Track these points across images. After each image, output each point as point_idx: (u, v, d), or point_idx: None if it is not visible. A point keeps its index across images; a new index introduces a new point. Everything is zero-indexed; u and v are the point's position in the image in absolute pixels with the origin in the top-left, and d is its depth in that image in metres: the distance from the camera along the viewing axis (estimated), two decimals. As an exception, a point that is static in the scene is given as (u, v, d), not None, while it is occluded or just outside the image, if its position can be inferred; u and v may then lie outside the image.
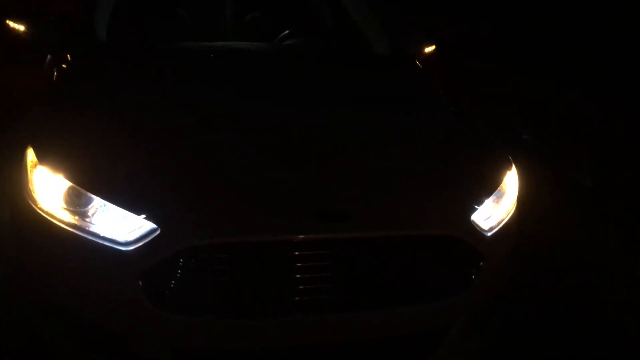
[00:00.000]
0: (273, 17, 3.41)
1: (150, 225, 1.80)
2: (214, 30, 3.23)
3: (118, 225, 1.83)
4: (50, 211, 1.89)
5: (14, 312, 2.44)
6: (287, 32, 3.25)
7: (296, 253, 1.85)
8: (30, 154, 2.01)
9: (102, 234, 1.83)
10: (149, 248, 1.79)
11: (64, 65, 2.58)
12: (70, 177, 1.89)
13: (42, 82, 2.55)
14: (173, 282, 1.80)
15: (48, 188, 1.91)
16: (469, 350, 2.25)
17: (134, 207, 1.83)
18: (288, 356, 1.98)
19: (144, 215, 1.81)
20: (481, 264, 2.05)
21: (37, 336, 2.18)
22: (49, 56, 2.85)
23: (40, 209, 1.90)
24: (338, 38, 3.42)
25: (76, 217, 1.86)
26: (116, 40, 2.77)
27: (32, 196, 1.94)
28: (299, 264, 1.86)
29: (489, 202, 2.14)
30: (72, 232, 1.85)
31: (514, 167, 2.34)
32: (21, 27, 2.66)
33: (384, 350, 2.04)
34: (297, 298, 1.87)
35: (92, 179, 1.89)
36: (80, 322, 1.90)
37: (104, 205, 1.85)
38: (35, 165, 1.97)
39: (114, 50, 2.71)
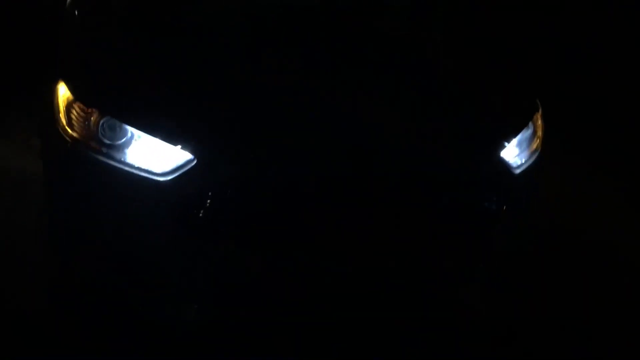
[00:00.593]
0: None
1: (187, 155, 1.82)
2: None
3: (154, 156, 1.85)
4: (86, 144, 1.90)
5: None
6: None
7: (330, 188, 1.87)
8: (63, 89, 2.01)
9: (138, 165, 1.85)
10: (185, 178, 1.81)
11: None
12: (105, 110, 1.90)
13: (65, 20, 2.52)
14: (209, 211, 1.83)
15: (83, 122, 1.92)
16: (496, 286, 2.29)
17: (170, 137, 1.84)
18: (317, 292, 2.02)
19: (180, 146, 1.83)
20: (509, 200, 2.08)
21: (64, 271, 2.23)
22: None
23: (75, 142, 1.92)
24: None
25: (112, 149, 1.87)
26: None
27: (66, 130, 1.95)
28: (331, 200, 1.88)
29: (516, 141, 2.15)
30: (108, 163, 1.86)
31: (540, 110, 2.35)
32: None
33: (414, 285, 2.07)
34: (328, 234, 1.89)
35: (127, 111, 1.90)
36: (111, 253, 1.93)
37: (140, 136, 1.87)
38: (68, 100, 1.98)
39: None
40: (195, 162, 1.81)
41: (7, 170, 3.26)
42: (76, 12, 2.46)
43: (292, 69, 2.12)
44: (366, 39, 2.43)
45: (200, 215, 1.82)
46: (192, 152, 1.82)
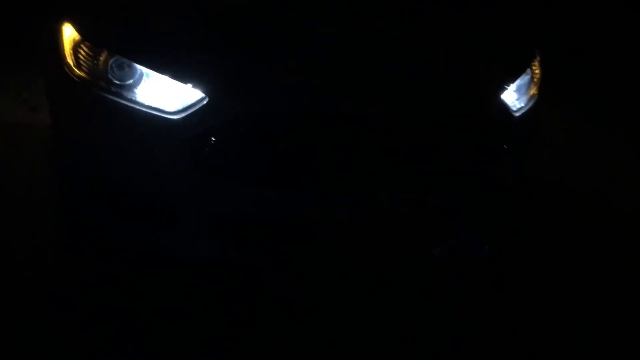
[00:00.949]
0: None
1: (198, 94, 1.84)
2: None
3: (165, 94, 1.86)
4: (95, 84, 1.91)
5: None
6: None
7: (338, 125, 1.91)
8: (69, 29, 2.00)
9: (149, 104, 1.86)
10: (196, 116, 1.83)
11: None
12: (115, 49, 1.90)
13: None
14: (221, 149, 1.85)
15: (92, 62, 1.92)
16: (495, 227, 2.35)
17: (181, 76, 1.85)
18: (324, 228, 2.07)
19: (190, 84, 1.84)
20: (510, 140, 2.14)
21: (71, 210, 2.24)
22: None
23: (84, 82, 1.92)
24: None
25: (122, 89, 1.88)
26: None
27: (73, 71, 1.95)
28: (339, 136, 1.91)
29: (515, 85, 2.21)
30: (118, 102, 1.88)
31: (538, 57, 2.40)
32: None
33: (417, 221, 2.14)
34: (336, 169, 1.93)
35: (137, 50, 1.91)
36: (122, 190, 1.96)
37: (150, 75, 1.88)
38: (75, 41, 1.97)
39: None
40: (206, 100, 1.83)
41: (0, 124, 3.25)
42: None
43: (301, 15, 2.13)
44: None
45: (213, 153, 1.84)
46: (203, 90, 1.83)
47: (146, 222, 2.00)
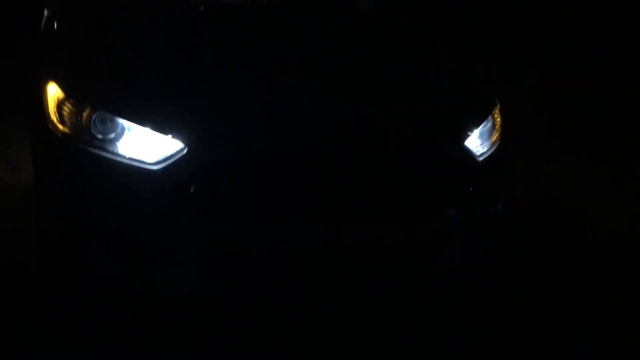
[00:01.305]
0: None
1: (178, 144, 1.94)
2: None
3: (146, 146, 1.96)
4: (79, 138, 2.00)
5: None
6: None
7: (308, 169, 2.03)
8: (53, 88, 2.10)
9: (130, 156, 1.96)
10: (177, 165, 1.93)
11: (67, 11, 2.66)
12: (97, 104, 2.00)
13: (45, 32, 2.62)
14: (200, 195, 1.94)
15: (75, 118, 2.02)
16: (466, 262, 2.45)
17: (161, 127, 1.96)
18: (302, 261, 2.14)
19: (170, 135, 1.95)
20: (474, 183, 2.27)
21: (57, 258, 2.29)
22: (45, 11, 2.91)
23: (67, 137, 2.01)
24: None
25: (105, 143, 1.98)
26: None
27: (57, 127, 2.05)
28: (313, 177, 2.03)
29: (478, 132, 2.36)
30: (101, 156, 1.97)
31: (499, 105, 2.57)
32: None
33: (389, 258, 2.23)
34: (312, 207, 2.04)
35: (118, 104, 2.01)
36: (108, 238, 2.03)
37: (131, 128, 1.98)
38: (59, 98, 2.07)
39: None
40: (185, 150, 1.93)
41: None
42: (56, 23, 2.58)
43: (271, 64, 2.31)
44: (342, 41, 2.67)
45: (193, 199, 1.93)
46: (182, 140, 1.94)
47: (133, 265, 2.06)
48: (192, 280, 2.06)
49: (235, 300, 2.22)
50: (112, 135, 1.98)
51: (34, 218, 2.37)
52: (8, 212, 2.97)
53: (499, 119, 2.53)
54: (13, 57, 4.67)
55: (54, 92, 2.10)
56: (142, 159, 1.95)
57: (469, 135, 2.29)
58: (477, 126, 2.36)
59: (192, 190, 1.93)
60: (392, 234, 2.15)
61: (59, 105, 2.07)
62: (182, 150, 1.94)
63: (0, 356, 2.02)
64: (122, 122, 1.98)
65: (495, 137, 2.45)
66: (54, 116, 2.07)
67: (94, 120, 1.99)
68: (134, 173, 1.95)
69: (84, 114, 2.01)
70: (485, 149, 2.36)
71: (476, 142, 2.34)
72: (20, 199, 3.06)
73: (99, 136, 1.99)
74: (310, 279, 2.18)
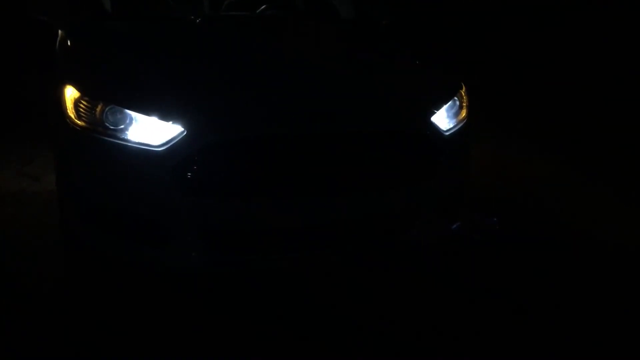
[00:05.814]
0: None
1: (178, 128, 2.26)
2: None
3: (151, 132, 2.28)
4: (94, 130, 2.33)
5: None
6: (264, 6, 3.77)
7: (293, 147, 2.34)
8: (70, 90, 2.44)
9: (139, 141, 2.28)
10: (178, 146, 2.25)
11: (79, 31, 3.03)
12: (108, 100, 2.34)
13: (58, 47, 2.98)
14: (198, 172, 2.26)
15: (90, 113, 2.35)
16: (438, 233, 2.71)
17: (163, 115, 2.28)
18: (286, 234, 2.44)
19: (171, 122, 2.27)
20: (442, 156, 2.57)
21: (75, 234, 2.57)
22: (60, 32, 3.27)
23: (84, 130, 2.35)
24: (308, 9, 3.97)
25: (116, 132, 2.31)
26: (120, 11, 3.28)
27: (75, 122, 2.38)
28: (294, 156, 2.35)
29: (444, 110, 2.66)
30: (114, 142, 2.30)
31: (464, 87, 2.88)
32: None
33: (365, 227, 2.53)
34: (293, 184, 2.35)
35: (126, 99, 2.35)
36: (120, 213, 2.35)
37: (138, 119, 2.30)
38: (76, 98, 2.41)
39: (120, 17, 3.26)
40: (185, 133, 2.25)
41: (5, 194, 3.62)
42: (69, 41, 2.94)
43: (258, 61, 2.72)
44: (310, 45, 3.11)
45: (193, 175, 2.25)
46: (182, 125, 2.26)
47: (142, 240, 2.37)
48: (194, 253, 2.36)
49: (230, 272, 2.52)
50: (122, 126, 2.31)
51: (58, 207, 2.67)
52: (33, 220, 3.26)
53: (465, 100, 2.83)
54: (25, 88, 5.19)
55: (70, 93, 2.44)
56: (148, 143, 2.27)
57: (434, 113, 2.60)
58: (443, 104, 2.67)
59: (192, 167, 2.24)
60: (365, 205, 2.45)
61: (76, 103, 2.40)
62: (182, 133, 2.26)
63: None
64: (130, 113, 2.31)
65: (462, 115, 2.76)
66: (71, 113, 2.40)
67: (106, 113, 2.33)
68: (143, 155, 2.27)
69: (98, 109, 2.34)
70: (451, 125, 2.66)
71: (443, 120, 2.64)
72: (44, 206, 3.37)
73: (111, 127, 2.31)
74: (297, 245, 2.48)
